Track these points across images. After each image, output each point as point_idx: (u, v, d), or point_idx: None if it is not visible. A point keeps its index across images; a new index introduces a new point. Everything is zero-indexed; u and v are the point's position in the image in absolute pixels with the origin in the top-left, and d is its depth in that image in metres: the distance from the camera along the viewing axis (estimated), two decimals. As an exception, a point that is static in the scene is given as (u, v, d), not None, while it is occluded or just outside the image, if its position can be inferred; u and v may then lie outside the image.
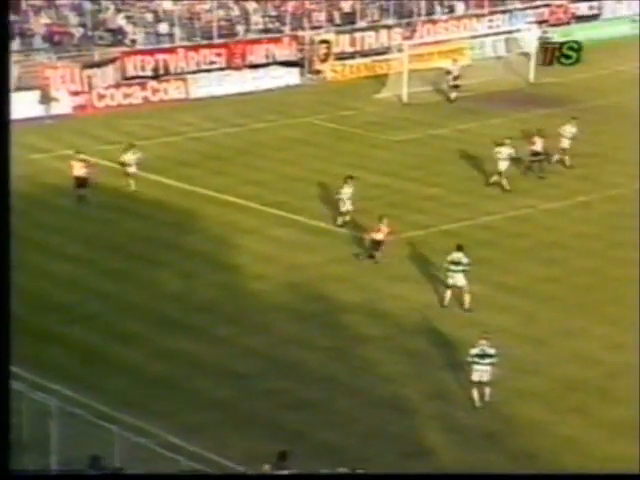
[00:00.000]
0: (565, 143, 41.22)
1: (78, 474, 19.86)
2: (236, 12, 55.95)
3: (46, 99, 46.74)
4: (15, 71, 43.70)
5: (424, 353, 27.41)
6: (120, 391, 25.03)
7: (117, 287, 30.69)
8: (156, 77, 50.63)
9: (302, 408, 24.68)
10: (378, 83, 52.58)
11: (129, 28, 52.58)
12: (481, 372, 24.73)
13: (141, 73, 50.44)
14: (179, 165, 41.38)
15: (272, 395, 25.22)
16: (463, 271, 29.51)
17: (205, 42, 53.12)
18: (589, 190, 39.35)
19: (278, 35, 55.14)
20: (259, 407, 24.74)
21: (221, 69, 52.54)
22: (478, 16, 61.36)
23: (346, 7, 58.49)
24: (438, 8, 60.76)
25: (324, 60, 55.32)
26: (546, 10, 64.03)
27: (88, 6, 52.24)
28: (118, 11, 53.05)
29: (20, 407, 19.55)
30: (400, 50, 53.34)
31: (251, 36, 54.90)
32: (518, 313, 29.68)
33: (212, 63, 52.43)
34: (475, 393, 24.87)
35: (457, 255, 29.68)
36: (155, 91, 50.24)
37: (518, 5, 63.08)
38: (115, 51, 50.47)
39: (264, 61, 53.72)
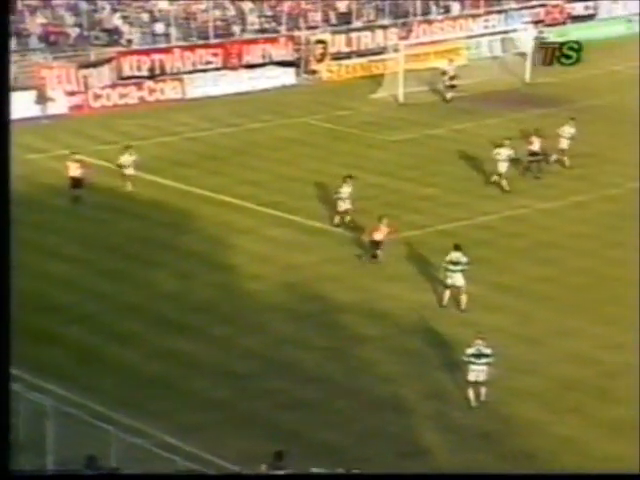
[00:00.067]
0: (564, 144, 41.25)
1: (78, 474, 19.85)
2: (232, 12, 55.96)
3: (42, 99, 46.73)
4: (11, 71, 43.63)
5: (421, 353, 27.42)
6: (116, 391, 25.02)
7: (113, 287, 30.68)
8: (152, 77, 50.63)
9: (299, 408, 24.68)
10: (374, 83, 52.60)
11: (125, 28, 52.57)
12: (477, 372, 24.74)
13: (137, 73, 50.43)
14: (175, 165, 41.37)
15: (269, 395, 25.22)
16: (462, 271, 29.52)
17: (201, 42, 53.12)
18: (585, 190, 39.39)
19: (274, 35, 55.16)
20: (256, 407, 24.73)
21: (217, 69, 52.55)
22: (474, 16, 61.40)
23: (342, 7, 58.51)
24: (434, 8, 60.78)
25: (320, 60, 55.34)
26: (542, 10, 64.08)
27: (84, 6, 52.23)
28: (114, 11, 53.03)
29: (16, 407, 19.52)
30: (396, 50, 53.35)
31: (247, 36, 54.91)
32: (514, 313, 29.70)
33: (208, 63, 52.43)
34: (471, 393, 24.88)
35: (456, 255, 29.70)
36: (151, 91, 50.23)
37: (514, 5, 63.12)
38: (111, 51, 50.47)
39: (260, 61, 53.74)
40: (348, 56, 56.25)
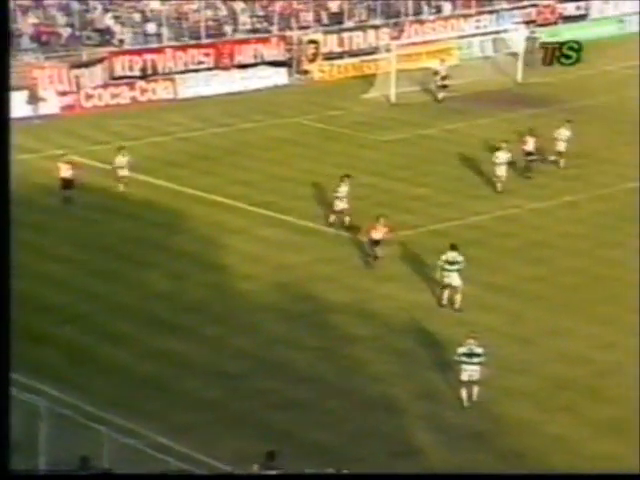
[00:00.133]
0: (561, 146, 41.29)
1: (78, 474, 19.84)
2: (224, 12, 55.95)
3: (34, 99, 46.68)
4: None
5: (412, 353, 27.45)
6: (109, 391, 25.02)
7: (106, 287, 30.67)
8: (144, 77, 50.59)
9: (291, 408, 24.70)
10: (366, 83, 52.63)
11: (117, 28, 52.54)
12: (470, 371, 24.77)
13: (129, 73, 50.39)
14: (167, 165, 41.37)
15: (261, 395, 25.24)
16: (458, 270, 29.56)
17: (193, 42, 53.09)
18: (576, 190, 39.46)
19: (266, 35, 55.16)
20: (248, 407, 24.75)
21: (209, 69, 52.52)
22: (465, 16, 61.44)
23: (334, 7, 58.52)
24: (425, 8, 60.83)
25: (312, 60, 55.35)
26: (533, 10, 64.13)
27: (76, 6, 52.18)
28: (106, 11, 52.99)
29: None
30: (388, 50, 53.37)
31: (239, 36, 54.90)
32: (506, 312, 29.76)
33: (200, 63, 52.41)
34: (464, 393, 24.91)
35: (452, 254, 29.73)
36: (143, 91, 50.20)
37: (505, 5, 63.20)
38: (103, 51, 50.42)
39: (252, 61, 53.71)
40: (340, 56, 56.25)
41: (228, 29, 55.19)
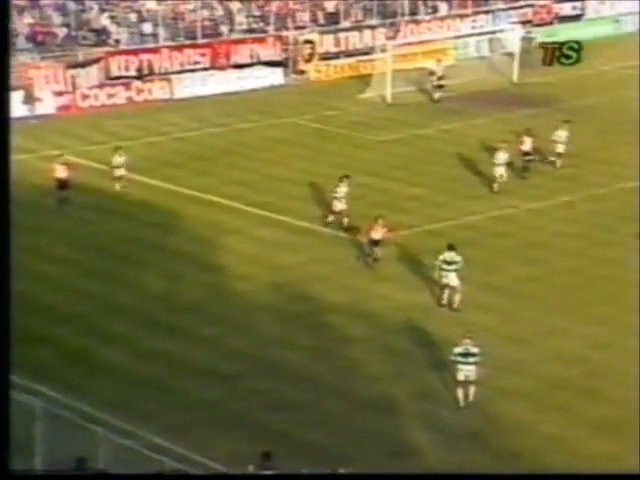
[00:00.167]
0: (560, 148, 41.29)
1: (79, 474, 19.85)
2: (220, 12, 55.96)
3: (30, 99, 46.67)
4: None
5: (409, 353, 27.47)
6: (105, 392, 25.02)
7: (102, 288, 30.67)
8: (140, 77, 50.59)
9: (287, 408, 24.71)
10: (362, 83, 52.66)
11: (113, 28, 52.54)
12: (466, 371, 24.79)
13: (125, 73, 50.40)
14: (163, 165, 41.37)
15: (257, 396, 25.25)
16: (456, 270, 29.56)
17: (189, 42, 53.11)
18: (572, 190, 39.50)
19: (262, 35, 55.19)
20: (244, 408, 24.76)
21: (205, 69, 52.55)
22: (461, 16, 61.51)
23: (330, 7, 58.56)
24: (422, 8, 60.86)
25: (308, 60, 55.38)
26: (529, 10, 64.22)
27: (72, 6, 52.18)
28: (102, 11, 53.00)
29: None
30: (384, 50, 53.42)
31: (235, 36, 54.93)
32: (501, 312, 29.79)
33: (196, 63, 52.44)
34: (460, 393, 24.93)
35: (450, 254, 29.74)
36: (139, 91, 50.21)
37: (501, 5, 63.25)
38: (99, 51, 50.43)
39: (248, 61, 53.75)
40: (336, 56, 56.30)
41: (224, 29, 55.21)
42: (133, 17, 53.63)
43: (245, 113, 48.73)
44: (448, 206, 37.57)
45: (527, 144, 40.40)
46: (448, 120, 47.76)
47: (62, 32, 51.11)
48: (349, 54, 56.64)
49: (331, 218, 35.15)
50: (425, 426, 24.33)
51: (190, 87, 51.39)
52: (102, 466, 20.41)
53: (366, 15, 59.30)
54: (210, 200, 37.75)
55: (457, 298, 29.67)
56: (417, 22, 59.70)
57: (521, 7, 63.89)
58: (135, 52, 51.18)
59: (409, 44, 55.69)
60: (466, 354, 24.85)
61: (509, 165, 39.11)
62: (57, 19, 51.67)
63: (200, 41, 53.30)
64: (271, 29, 55.80)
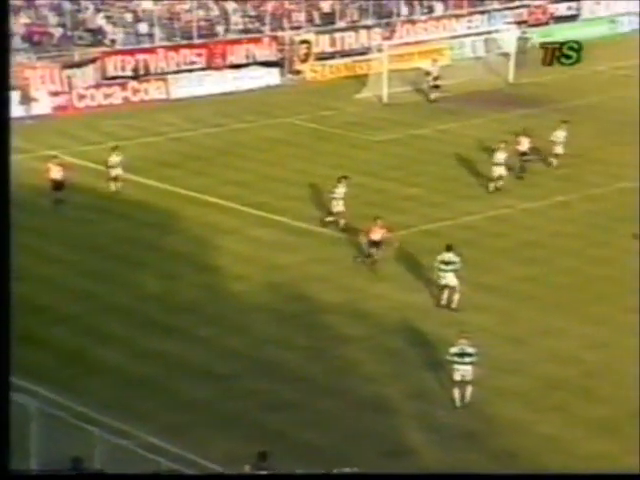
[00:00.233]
0: (558, 149, 41.26)
1: (79, 474, 19.83)
2: (216, 12, 55.94)
3: (26, 99, 46.62)
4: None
5: (405, 353, 27.47)
6: (101, 392, 25.00)
7: (98, 288, 30.64)
8: (136, 77, 50.57)
9: (283, 408, 24.70)
10: (358, 83, 52.66)
11: (109, 28, 52.50)
12: (462, 371, 24.78)
13: (121, 73, 50.38)
14: (160, 166, 41.34)
15: (253, 396, 25.24)
16: (454, 271, 29.55)
17: (185, 42, 53.09)
18: (568, 190, 39.52)
19: (258, 35, 55.17)
20: (240, 408, 24.75)
21: (201, 69, 52.53)
22: (457, 16, 61.53)
23: (326, 7, 58.55)
24: (417, 8, 60.88)
25: (304, 60, 55.38)
26: (525, 11, 64.26)
27: (68, 6, 52.13)
28: (98, 11, 52.96)
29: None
30: (380, 50, 53.43)
31: (231, 36, 54.90)
32: (498, 312, 29.79)
33: (192, 63, 52.42)
34: (456, 393, 24.92)
35: (448, 255, 29.71)
36: (135, 91, 50.18)
37: (497, 5, 63.28)
38: (95, 51, 50.39)
39: (244, 61, 53.74)
40: (332, 56, 56.30)
41: (220, 29, 55.19)
42: (129, 17, 53.59)
43: (241, 113, 48.72)
44: (445, 206, 37.58)
45: (524, 144, 40.38)
46: (444, 120, 47.78)
47: (58, 32, 51.07)
48: (345, 54, 56.64)
49: (330, 218, 35.06)
50: (421, 426, 24.33)
51: (186, 87, 51.36)
52: (98, 466, 20.39)
53: (362, 15, 59.29)
54: (206, 200, 37.73)
55: (456, 298, 29.67)
56: (413, 22, 59.70)
57: (517, 7, 63.92)
58: (131, 52, 51.15)
59: (405, 44, 55.72)
60: (462, 354, 24.84)
61: (506, 165, 39.09)
62: (53, 19, 51.63)
63: (196, 41, 53.28)
64: (267, 29, 55.78)
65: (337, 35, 57.03)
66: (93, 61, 49.70)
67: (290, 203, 37.36)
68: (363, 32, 57.70)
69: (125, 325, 28.52)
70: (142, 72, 50.82)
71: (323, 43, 56.30)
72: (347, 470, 20.50)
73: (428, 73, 51.31)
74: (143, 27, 53.22)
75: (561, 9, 66.08)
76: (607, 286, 31.46)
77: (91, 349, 27.23)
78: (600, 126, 47.24)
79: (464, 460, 22.79)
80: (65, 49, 50.03)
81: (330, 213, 35.06)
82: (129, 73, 50.51)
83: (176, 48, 52.35)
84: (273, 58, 54.54)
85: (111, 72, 50.06)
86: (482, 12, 62.53)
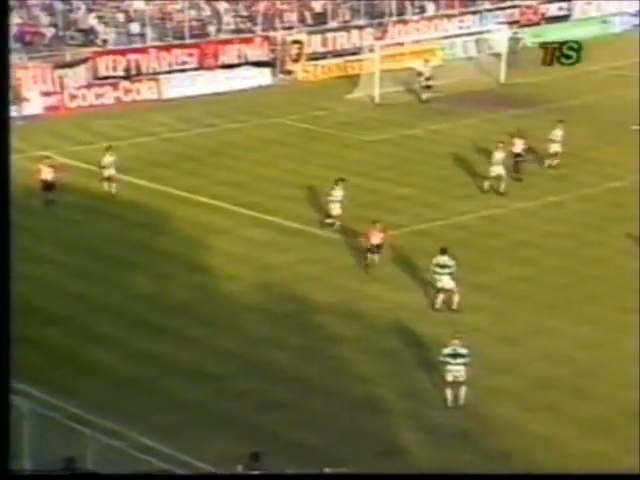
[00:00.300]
0: (556, 147, 41.21)
1: (79, 474, 19.78)
2: (208, 12, 55.89)
3: (17, 99, 46.50)
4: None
5: (398, 353, 27.45)
6: (93, 393, 24.94)
7: (90, 288, 30.58)
8: (128, 77, 50.52)
9: (276, 409, 24.67)
10: (350, 83, 52.67)
11: (100, 28, 52.43)
12: (455, 372, 24.76)
13: (113, 73, 50.32)
14: (152, 166, 41.29)
15: (246, 396, 25.20)
16: (450, 274, 29.49)
17: (177, 42, 53.04)
18: (562, 190, 39.53)
19: (250, 35, 55.14)
20: (233, 408, 24.71)
21: (193, 69, 52.49)
22: (449, 17, 61.56)
23: (318, 7, 58.54)
24: (409, 8, 60.89)
25: (296, 60, 55.36)
26: (516, 11, 64.32)
27: (59, 6, 52.05)
28: (89, 11, 52.88)
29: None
30: (372, 50, 53.43)
31: (223, 36, 54.86)
32: (491, 312, 29.79)
33: (184, 63, 52.38)
34: (449, 393, 24.91)
35: (442, 258, 29.62)
36: (127, 91, 50.12)
37: (488, 6, 63.32)
38: (87, 51, 50.32)
39: (236, 61, 53.71)
40: (324, 56, 56.30)
41: (212, 29, 55.15)
42: (121, 17, 53.53)
43: (233, 113, 48.69)
44: (437, 206, 37.57)
45: (518, 146, 40.24)
46: (436, 120, 47.79)
47: (50, 32, 50.98)
48: (337, 54, 56.65)
49: (329, 220, 34.92)
50: (414, 426, 24.32)
51: (178, 87, 51.32)
52: (90, 467, 20.34)
53: (354, 15, 59.30)
54: (199, 200, 37.68)
55: (455, 300, 29.57)
56: (405, 22, 59.73)
57: (508, 8, 63.97)
58: (123, 52, 51.10)
59: (397, 44, 55.73)
60: (455, 355, 24.82)
61: (504, 165, 39.01)
62: (45, 19, 51.54)
63: (188, 41, 53.24)
64: (259, 29, 55.76)
65: (329, 35, 57.03)
66: (85, 61, 49.63)
67: (282, 203, 37.33)
68: (355, 32, 57.71)
69: (117, 325, 28.47)
70: (134, 72, 50.77)
71: (315, 43, 56.29)
72: (338, 470, 20.49)
73: (420, 73, 51.31)
74: (135, 27, 53.16)
75: (552, 9, 66.17)
76: (600, 286, 31.48)
77: (83, 350, 27.18)
78: (593, 126, 47.27)
79: (458, 460, 22.78)
80: (57, 49, 49.95)
81: (329, 215, 34.93)
82: (121, 73, 50.45)
83: (168, 48, 52.30)
84: (265, 58, 54.53)
85: (103, 72, 50.00)
86: (474, 12, 62.59)
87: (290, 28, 56.61)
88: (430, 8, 61.76)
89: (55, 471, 20.26)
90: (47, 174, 36.55)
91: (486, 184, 38.76)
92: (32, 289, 30.13)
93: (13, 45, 49.14)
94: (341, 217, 34.75)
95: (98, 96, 49.22)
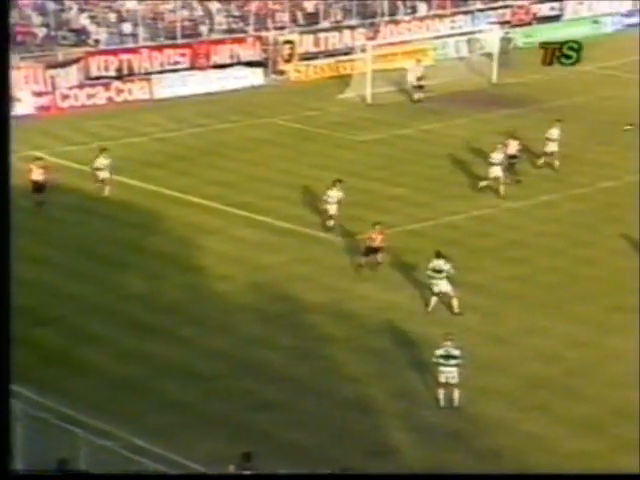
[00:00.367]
0: (553, 146, 41.18)
1: (79, 474, 19.77)
2: (200, 12, 55.87)
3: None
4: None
5: (389, 353, 27.49)
6: (85, 393, 24.94)
7: (82, 289, 30.57)
8: (120, 77, 50.48)
9: (268, 409, 24.69)
10: (342, 83, 52.69)
11: (92, 28, 52.39)
12: (447, 374, 24.77)
13: (105, 73, 50.28)
14: (144, 166, 41.27)
15: (237, 396, 25.21)
16: (446, 277, 29.45)
17: (169, 42, 53.01)
18: (554, 189, 39.59)
19: (242, 35, 55.13)
20: (224, 408, 24.73)
21: (185, 69, 52.47)
22: (440, 17, 61.60)
23: (309, 7, 58.55)
24: (401, 9, 60.92)
25: (288, 60, 55.37)
26: (508, 11, 64.38)
27: (51, 6, 52.00)
28: (81, 11, 52.84)
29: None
30: (364, 50, 53.47)
31: (215, 36, 54.85)
32: (482, 312, 29.83)
33: (176, 63, 52.36)
34: (441, 394, 24.93)
35: (438, 262, 29.52)
36: (119, 91, 50.09)
37: (480, 6, 63.39)
38: (78, 51, 50.27)
39: (228, 61, 53.70)
40: (316, 56, 56.30)
41: (204, 29, 55.12)
42: (112, 17, 53.48)
43: (225, 113, 48.69)
44: (429, 206, 37.61)
45: (513, 147, 40.15)
46: (428, 120, 47.84)
47: (41, 32, 50.92)
48: (329, 54, 56.66)
49: (331, 222, 34.89)
50: (405, 426, 24.35)
51: (170, 87, 51.29)
52: (83, 467, 20.34)
53: (346, 15, 59.31)
54: (190, 200, 37.68)
55: (455, 303, 29.46)
56: (396, 22, 59.75)
57: (500, 8, 64.04)
58: (115, 52, 51.06)
59: (389, 44, 55.76)
60: (447, 356, 24.83)
61: (502, 166, 39.01)
62: (36, 19, 51.47)
63: (180, 41, 53.22)
64: (251, 29, 55.75)
65: (321, 35, 57.05)
66: (77, 61, 49.58)
67: (274, 203, 37.35)
68: (347, 32, 57.73)
69: (109, 326, 28.46)
70: (126, 72, 50.73)
71: (307, 43, 56.31)
72: (330, 470, 20.52)
73: (412, 74, 51.30)
74: (127, 27, 53.12)
75: (544, 9, 66.23)
76: (592, 286, 31.55)
77: (75, 350, 27.17)
78: (585, 126, 47.30)
79: (449, 459, 22.82)
80: (49, 49, 49.89)
81: (329, 217, 34.87)
82: (113, 73, 50.41)
83: (160, 48, 52.27)
84: (257, 58, 54.52)
85: (95, 72, 49.95)
86: (465, 12, 62.64)
87: (282, 28, 56.61)
88: (422, 8, 61.79)
89: (50, 471, 20.28)
90: (38, 175, 36.47)
91: (482, 184, 38.72)
92: (23, 289, 30.07)
93: (5, 45, 49.11)
94: (336, 218, 34.77)
95: (90, 96, 49.18)
